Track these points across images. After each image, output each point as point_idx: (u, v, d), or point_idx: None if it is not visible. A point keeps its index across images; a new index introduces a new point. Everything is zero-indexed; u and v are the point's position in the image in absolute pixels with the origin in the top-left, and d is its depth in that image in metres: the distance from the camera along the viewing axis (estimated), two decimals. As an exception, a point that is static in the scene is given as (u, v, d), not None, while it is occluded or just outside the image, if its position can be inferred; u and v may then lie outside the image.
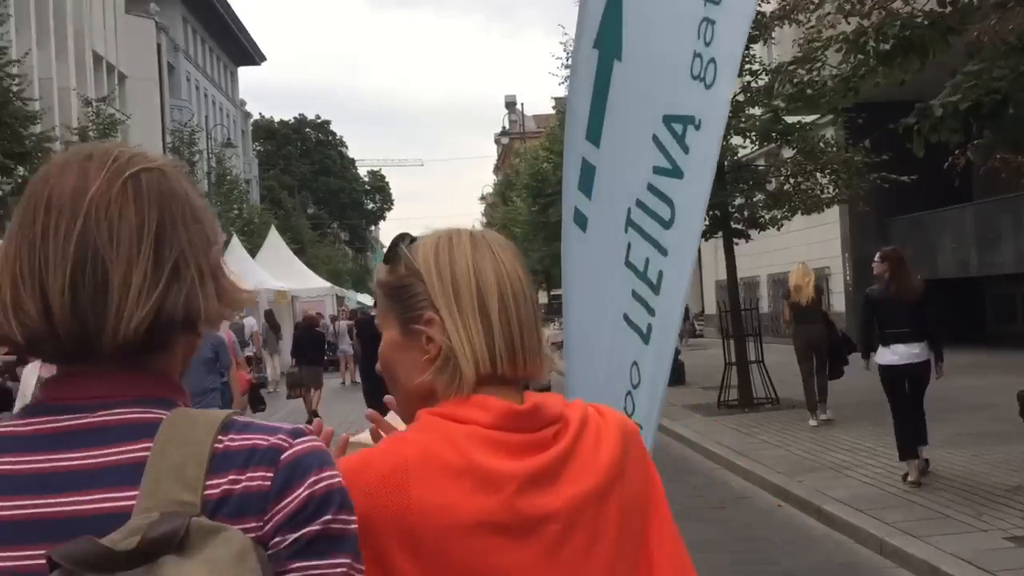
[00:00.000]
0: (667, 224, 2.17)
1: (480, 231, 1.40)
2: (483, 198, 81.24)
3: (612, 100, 2.40)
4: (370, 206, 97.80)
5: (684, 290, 2.18)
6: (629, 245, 2.34)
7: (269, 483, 0.94)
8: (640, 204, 2.28)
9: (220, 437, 0.95)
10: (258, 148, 79.02)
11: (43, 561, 0.85)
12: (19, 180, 19.07)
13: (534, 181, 19.29)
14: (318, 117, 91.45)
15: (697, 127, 2.05)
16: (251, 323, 19.17)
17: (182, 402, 1.01)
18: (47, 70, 34.21)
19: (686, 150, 2.10)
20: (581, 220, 2.66)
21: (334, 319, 27.57)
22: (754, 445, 10.62)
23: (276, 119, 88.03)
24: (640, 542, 1.28)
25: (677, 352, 12.83)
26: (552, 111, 50.87)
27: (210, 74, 59.07)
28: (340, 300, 33.33)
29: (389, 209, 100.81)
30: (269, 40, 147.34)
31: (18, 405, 5.98)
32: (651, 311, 2.28)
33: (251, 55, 67.09)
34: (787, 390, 13.35)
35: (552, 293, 39.93)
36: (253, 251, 31.36)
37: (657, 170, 2.21)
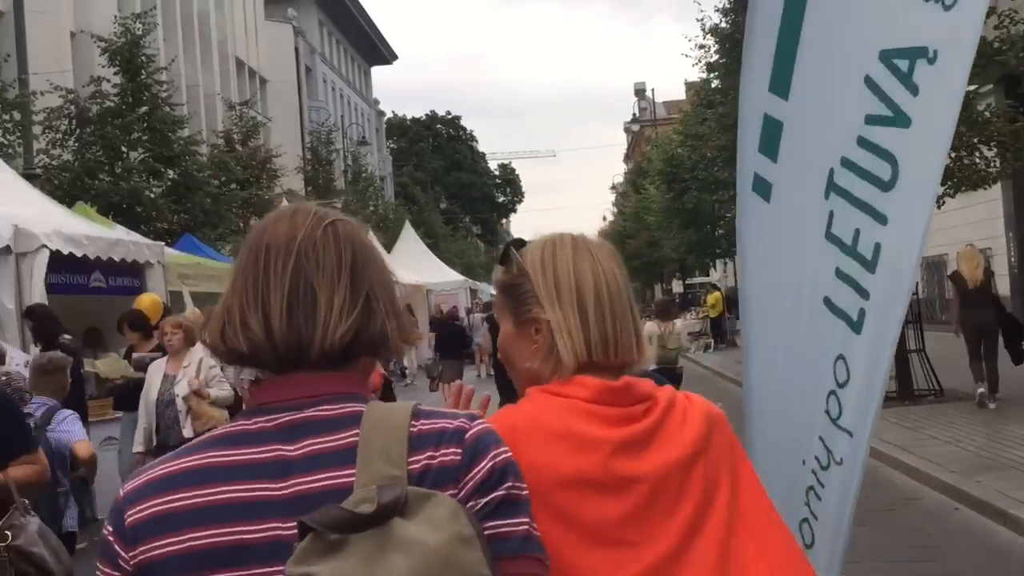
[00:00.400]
0: (887, 185, 1.76)
1: (582, 236, 1.58)
2: (614, 187, 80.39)
3: (806, 40, 1.99)
4: (501, 199, 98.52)
5: (912, 267, 1.76)
6: (832, 214, 1.94)
7: (459, 458, 1.15)
8: (847, 163, 1.87)
9: (413, 423, 1.15)
10: (391, 146, 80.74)
11: (290, 532, 1.05)
12: (168, 183, 19.87)
13: (668, 166, 18.66)
14: (448, 113, 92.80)
15: (931, 60, 1.63)
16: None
17: (369, 397, 1.22)
18: (193, 77, 35.70)
19: (914, 91, 1.68)
20: (763, 188, 2.26)
21: (468, 312, 27.69)
22: (920, 441, 9.83)
23: (408, 117, 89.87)
24: (733, 515, 1.43)
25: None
26: (684, 96, 49.84)
27: (345, 75, 60.58)
28: (473, 293, 33.49)
29: (520, 202, 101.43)
30: (399, 39, 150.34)
31: (144, 399, 6.77)
32: (863, 293, 1.87)
33: (383, 55, 68.49)
34: (951, 380, 12.39)
35: (688, 282, 39.12)
36: (388, 246, 31.83)
37: (872, 119, 1.79)
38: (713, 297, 24.25)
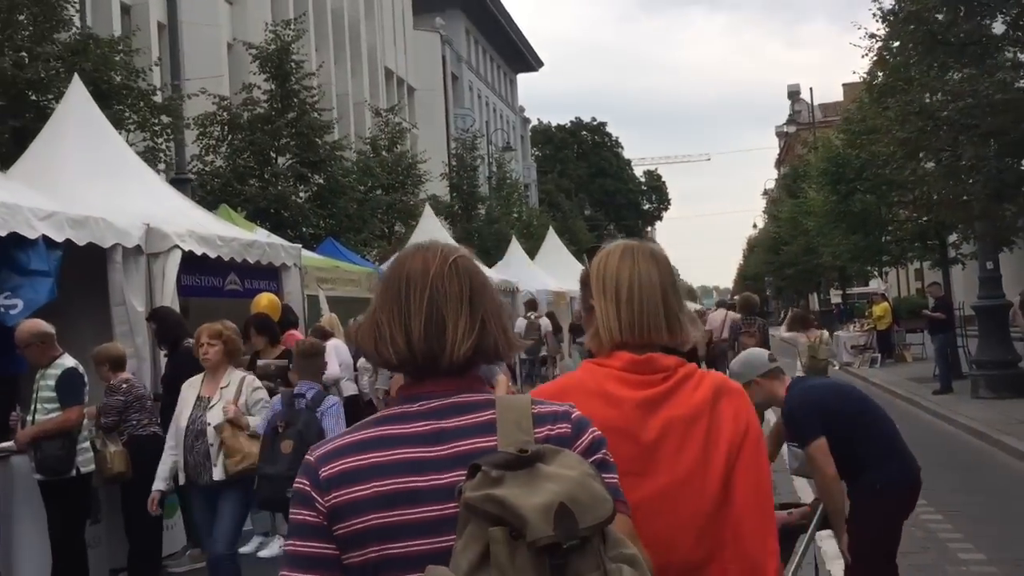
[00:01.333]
0: None
1: (639, 244, 2.05)
2: (766, 193, 77.60)
3: None
4: (646, 206, 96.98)
5: None
6: None
7: (569, 431, 1.57)
8: None
9: (533, 406, 1.58)
10: (536, 153, 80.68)
11: (447, 481, 1.47)
12: (314, 188, 19.93)
13: (832, 166, 17.25)
14: (593, 119, 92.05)
15: None
16: (546, 324, 18.38)
17: (492, 394, 1.62)
18: (343, 85, 36.38)
19: None
20: None
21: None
22: None
23: (553, 124, 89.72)
24: (736, 470, 1.86)
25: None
26: (842, 98, 47.26)
27: (491, 82, 60.86)
28: (619, 301, 32.47)
29: (666, 209, 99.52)
30: (545, 45, 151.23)
31: (174, 425, 5.71)
32: None
33: (529, 61, 68.48)
34: None
35: (847, 292, 36.85)
36: (532, 253, 31.34)
37: None
38: (881, 308, 22.52)
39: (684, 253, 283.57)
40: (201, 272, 8.57)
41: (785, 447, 4.59)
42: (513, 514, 1.29)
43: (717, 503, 1.85)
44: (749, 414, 1.92)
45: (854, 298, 40.98)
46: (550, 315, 21.67)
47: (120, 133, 11.60)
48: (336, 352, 8.62)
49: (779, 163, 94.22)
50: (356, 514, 1.48)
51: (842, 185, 17.43)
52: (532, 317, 17.46)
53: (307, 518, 1.52)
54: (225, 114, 19.19)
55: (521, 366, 17.23)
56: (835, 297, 40.10)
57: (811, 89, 38.55)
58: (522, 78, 72.29)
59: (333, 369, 8.36)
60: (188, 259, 7.99)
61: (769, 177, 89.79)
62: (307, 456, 1.57)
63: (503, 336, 1.63)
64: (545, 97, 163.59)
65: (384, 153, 26.59)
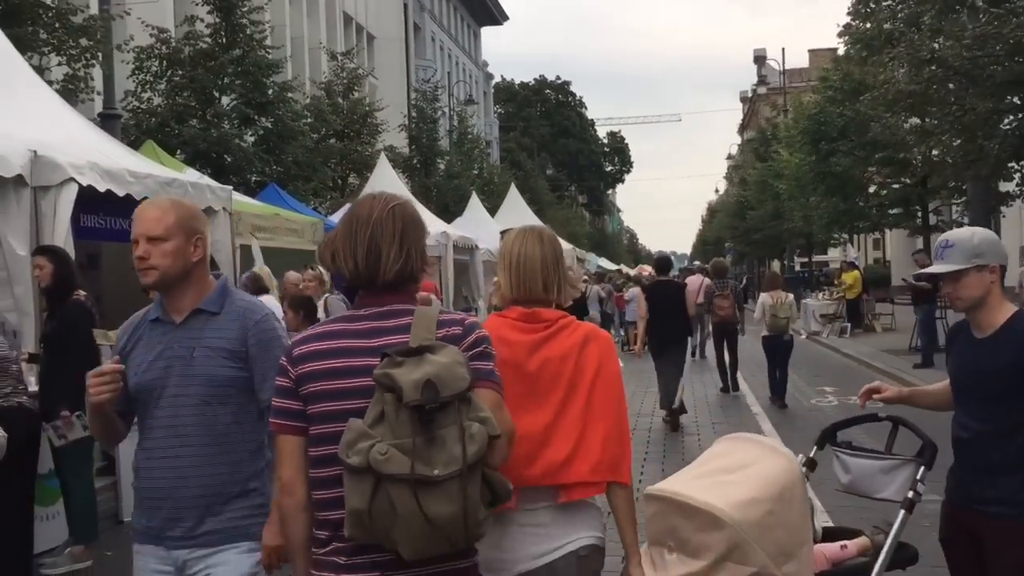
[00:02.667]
0: None
1: (531, 228, 2.83)
2: (730, 157, 76.99)
3: None
4: (608, 168, 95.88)
5: None
6: None
7: (460, 332, 2.24)
8: None
9: (439, 315, 2.24)
10: (499, 111, 79.08)
11: (374, 363, 2.09)
12: (261, 132, 18.52)
13: (814, 124, 16.25)
14: (558, 78, 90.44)
15: None
16: None
17: (415, 306, 2.28)
18: (298, 28, 34.61)
19: None
20: None
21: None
22: None
23: (516, 82, 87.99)
24: (593, 398, 2.56)
25: None
26: (808, 64, 46.18)
27: (454, 34, 59.01)
28: (581, 263, 31.54)
29: (628, 171, 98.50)
30: (510, 4, 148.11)
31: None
32: None
33: (494, 14, 66.59)
34: None
35: (813, 259, 36.20)
36: (492, 211, 30.17)
37: None
38: (851, 276, 21.75)
39: (644, 216, 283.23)
40: (107, 213, 7.32)
41: (834, 458, 3.54)
42: (396, 385, 2.02)
43: (582, 418, 2.56)
44: (609, 355, 2.65)
45: (813, 266, 40.52)
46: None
47: (29, 57, 10.21)
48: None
49: (743, 128, 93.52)
50: (312, 381, 2.23)
51: (824, 144, 16.45)
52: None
53: (283, 383, 2.28)
54: (164, 48, 17.65)
55: None
56: (799, 265, 39.52)
57: (783, 49, 37.59)
58: (487, 33, 70.46)
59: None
60: (90, 196, 6.74)
61: (732, 142, 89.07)
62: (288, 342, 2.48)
63: (420, 262, 2.35)
64: (509, 56, 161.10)
65: (340, 99, 25.11)
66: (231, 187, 9.52)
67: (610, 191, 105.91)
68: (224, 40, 17.92)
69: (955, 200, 16.54)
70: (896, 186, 16.76)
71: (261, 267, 8.69)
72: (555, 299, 2.68)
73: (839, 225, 18.50)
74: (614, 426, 2.56)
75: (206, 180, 9.42)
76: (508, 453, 2.19)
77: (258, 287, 7.53)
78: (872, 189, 17.11)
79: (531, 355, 2.57)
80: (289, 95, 19.05)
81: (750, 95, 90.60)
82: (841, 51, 32.43)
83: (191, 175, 10.01)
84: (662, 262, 11.58)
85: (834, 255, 41.85)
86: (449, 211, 29.17)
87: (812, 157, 17.15)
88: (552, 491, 2.54)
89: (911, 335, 17.02)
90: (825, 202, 18.14)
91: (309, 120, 21.02)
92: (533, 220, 32.57)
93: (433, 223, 19.48)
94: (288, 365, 2.24)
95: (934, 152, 10.14)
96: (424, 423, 1.98)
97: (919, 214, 17.36)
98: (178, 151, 16.99)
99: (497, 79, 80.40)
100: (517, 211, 31.92)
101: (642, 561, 2.60)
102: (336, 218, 16.15)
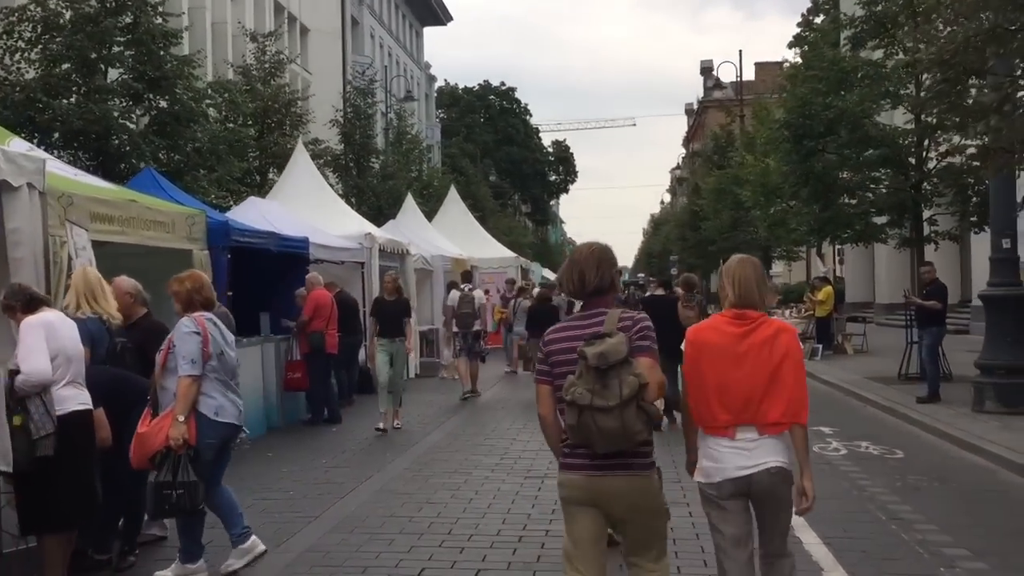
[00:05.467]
0: None
1: (743, 256, 4.09)
2: (678, 167, 75.52)
3: None
4: (553, 177, 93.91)
5: None
6: None
7: (630, 324, 3.55)
8: None
9: (620, 315, 3.58)
10: (441, 115, 76.60)
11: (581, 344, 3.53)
12: (152, 113, 15.77)
13: (799, 118, 14.12)
14: (502, 84, 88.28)
15: None
16: (480, 296, 16.05)
17: (607, 309, 3.66)
18: (221, 12, 31.78)
19: None
20: None
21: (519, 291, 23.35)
22: None
23: (460, 86, 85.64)
24: (782, 368, 3.73)
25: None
26: (754, 78, 44.52)
27: (395, 32, 56.43)
28: (525, 272, 29.18)
29: (572, 181, 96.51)
30: (455, 11, 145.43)
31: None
32: None
33: (437, 14, 64.12)
34: None
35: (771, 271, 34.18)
36: (430, 215, 27.67)
37: None
38: (824, 292, 19.74)
39: (587, 227, 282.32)
40: None
41: None
42: (585, 355, 3.38)
43: (776, 382, 3.74)
44: (794, 341, 3.87)
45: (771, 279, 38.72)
46: (452, 285, 18.18)
47: None
48: (47, 332, 4.83)
49: (688, 140, 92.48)
50: (554, 355, 3.62)
51: (808, 141, 14.33)
52: (466, 289, 15.65)
53: (541, 356, 3.68)
54: (39, 9, 14.87)
55: (456, 340, 15.55)
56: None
57: (740, 51, 35.69)
58: (430, 34, 68.00)
59: (36, 365, 4.63)
60: None
61: (678, 154, 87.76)
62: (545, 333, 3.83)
63: (613, 281, 3.75)
64: (453, 64, 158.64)
65: (258, 85, 22.43)
66: (43, 158, 6.89)
67: (553, 201, 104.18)
68: (113, 3, 15.21)
69: (962, 206, 14.49)
70: (886, 191, 14.67)
71: (83, 268, 6.08)
72: (761, 306, 3.92)
73: (821, 234, 16.38)
74: (796, 388, 3.77)
75: (15, 148, 6.80)
76: (659, 395, 3.45)
77: (29, 299, 4.94)
78: (859, 194, 15.02)
79: (742, 341, 3.80)
80: (190, 72, 16.32)
81: (695, 107, 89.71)
82: (791, 61, 30.77)
83: (18, 146, 7.38)
84: (665, 275, 9.61)
85: (776, 270, 40.19)
86: (383, 214, 26.65)
87: (793, 156, 15.02)
88: (757, 428, 3.74)
89: (902, 360, 14.93)
90: (807, 208, 15.99)
91: (215, 101, 18.31)
92: (473, 226, 30.24)
93: (356, 223, 16.93)
94: (542, 346, 3.69)
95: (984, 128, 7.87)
96: (599, 377, 3.37)
97: (906, 224, 15.35)
98: (55, 133, 14.29)
99: (440, 83, 77.92)
100: (457, 216, 29.51)
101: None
102: (239, 212, 13.71)
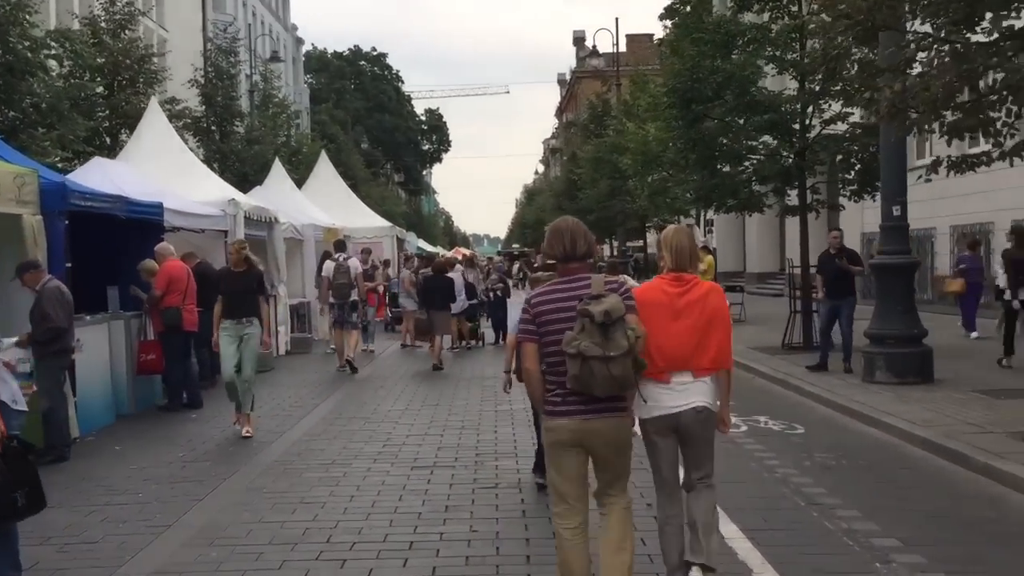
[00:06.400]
0: None
1: (682, 226, 4.88)
2: (552, 137, 75.42)
3: None
4: (426, 147, 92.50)
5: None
6: None
7: (617, 287, 4.07)
8: None
9: (604, 279, 4.09)
10: (310, 80, 74.00)
11: (575, 303, 3.99)
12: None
13: (687, 82, 13.67)
14: (374, 49, 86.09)
15: None
16: (355, 265, 15.04)
17: (590, 274, 4.18)
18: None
19: None
20: None
21: (384, 264, 22.48)
22: None
23: (329, 51, 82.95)
24: (713, 323, 4.35)
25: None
26: (626, 48, 44.33)
27: (259, -10, 53.75)
28: (400, 243, 28.19)
29: (446, 151, 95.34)
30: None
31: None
32: None
33: (304, -26, 61.46)
34: None
35: (631, 243, 34.12)
36: (300, 182, 26.32)
37: None
38: (707, 262, 19.52)
39: (460, 197, 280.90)
40: None
41: None
42: (590, 312, 3.85)
43: (707, 334, 4.33)
44: (721, 299, 4.46)
45: (630, 251, 38.90)
46: (326, 255, 17.11)
47: None
48: None
49: (561, 110, 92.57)
50: (542, 315, 4.03)
51: (696, 105, 13.91)
52: (341, 259, 14.78)
53: (526, 316, 4.08)
54: None
55: (331, 311, 14.85)
56: (629, 248, 37.79)
57: (616, 19, 35.46)
58: (296, -6, 65.27)
59: None
60: None
61: (552, 124, 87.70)
62: (526, 297, 4.33)
63: (594, 246, 4.32)
64: (322, 28, 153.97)
65: (107, 39, 20.56)
66: None
67: (427, 171, 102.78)
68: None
69: (844, 173, 14.38)
70: (768, 157, 14.42)
71: None
72: (692, 270, 4.49)
73: (706, 202, 16.05)
74: (725, 339, 4.40)
75: None
76: (644, 346, 4.03)
77: None
78: (750, 162, 14.73)
79: (681, 299, 4.34)
80: (25, 18, 14.59)
81: (569, 78, 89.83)
82: (665, 31, 30.62)
83: None
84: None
85: (649, 239, 40.50)
86: (249, 180, 25.08)
87: (680, 121, 14.59)
88: (692, 372, 4.34)
89: (786, 329, 14.84)
90: (694, 175, 15.62)
91: (56, 52, 16.54)
92: (346, 194, 28.93)
93: (219, 189, 15.62)
94: (528, 307, 4.10)
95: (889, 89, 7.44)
96: (604, 331, 3.86)
97: (788, 192, 15.21)
98: None
99: (308, 47, 75.26)
100: (328, 183, 28.13)
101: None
102: (81, 174, 12.12)
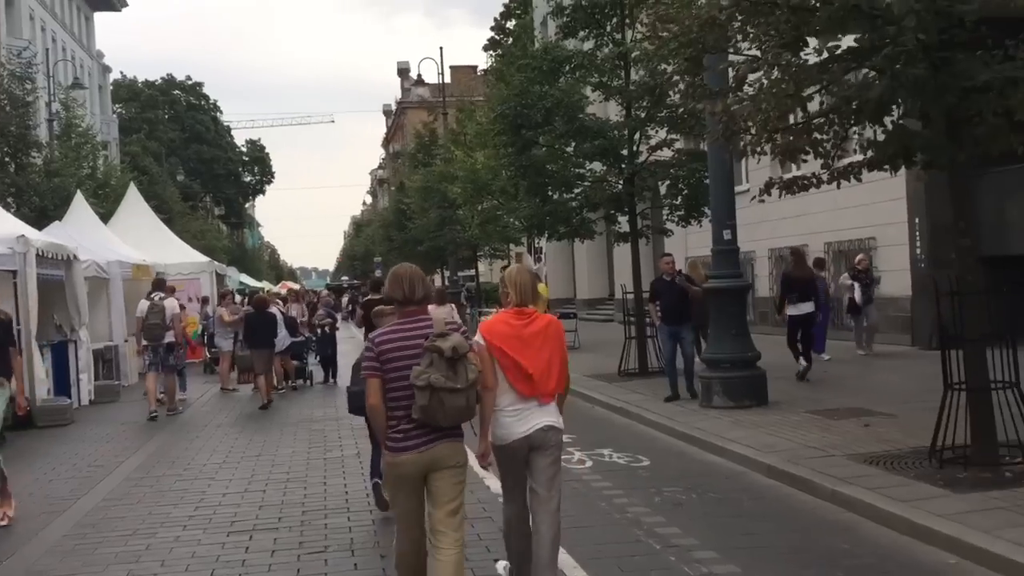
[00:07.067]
0: None
1: (523, 264, 5.70)
2: (379, 167, 74.56)
3: None
4: (248, 179, 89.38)
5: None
6: None
7: (456, 327, 4.42)
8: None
9: (447, 320, 4.46)
10: (120, 110, 70.05)
11: (418, 348, 4.32)
12: None
13: (518, 107, 13.36)
14: (189, 78, 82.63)
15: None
16: (172, 305, 14.02)
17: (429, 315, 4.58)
18: None
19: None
20: None
21: (204, 301, 21.18)
22: None
23: (140, 80, 78.90)
24: (554, 352, 4.73)
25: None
26: (450, 80, 44.26)
27: (59, 15, 50.41)
28: (220, 278, 26.67)
29: (269, 182, 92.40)
30: (134, 5, 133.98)
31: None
32: None
33: (109, -2, 58.22)
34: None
35: (464, 274, 33.86)
36: (106, 216, 24.47)
37: None
38: (541, 289, 19.34)
39: (286, 230, 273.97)
40: None
41: None
42: (439, 348, 4.19)
43: (550, 363, 4.68)
44: (560, 331, 4.86)
45: (460, 280, 38.54)
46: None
47: None
48: None
49: (388, 141, 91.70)
50: (385, 353, 4.32)
51: (527, 131, 13.65)
52: (156, 298, 13.79)
53: (370, 355, 4.36)
54: None
55: (146, 354, 13.92)
56: (460, 279, 37.36)
57: (440, 48, 35.29)
58: (102, 20, 61.77)
59: None
60: None
61: (379, 155, 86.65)
62: (370, 336, 4.60)
63: (428, 294, 4.59)
64: (132, 56, 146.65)
65: None
66: None
67: (249, 203, 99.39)
68: None
69: (671, 200, 14.46)
70: (596, 184, 14.34)
71: None
72: (532, 304, 4.86)
73: (539, 230, 15.78)
74: (563, 368, 4.77)
75: None
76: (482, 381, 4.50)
77: None
78: (580, 189, 14.59)
79: (525, 331, 4.68)
80: None
81: (394, 108, 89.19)
82: (489, 62, 30.70)
83: None
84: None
85: (482, 269, 40.41)
86: (48, 215, 23.01)
87: (511, 148, 14.30)
88: (537, 399, 4.68)
89: (622, 355, 14.73)
90: (526, 202, 15.33)
91: None
92: (157, 227, 27.11)
93: (6, 225, 14.03)
94: (372, 345, 4.37)
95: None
96: (451, 366, 4.20)
97: (619, 219, 15.20)
98: None
99: (116, 75, 71.38)
100: (138, 217, 26.22)
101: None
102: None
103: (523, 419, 4.62)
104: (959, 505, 6.05)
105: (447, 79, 59.99)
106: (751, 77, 7.76)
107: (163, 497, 7.99)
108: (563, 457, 9.13)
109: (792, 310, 12.52)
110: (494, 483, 6.49)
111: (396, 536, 4.52)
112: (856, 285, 15.06)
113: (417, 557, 4.40)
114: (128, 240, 22.39)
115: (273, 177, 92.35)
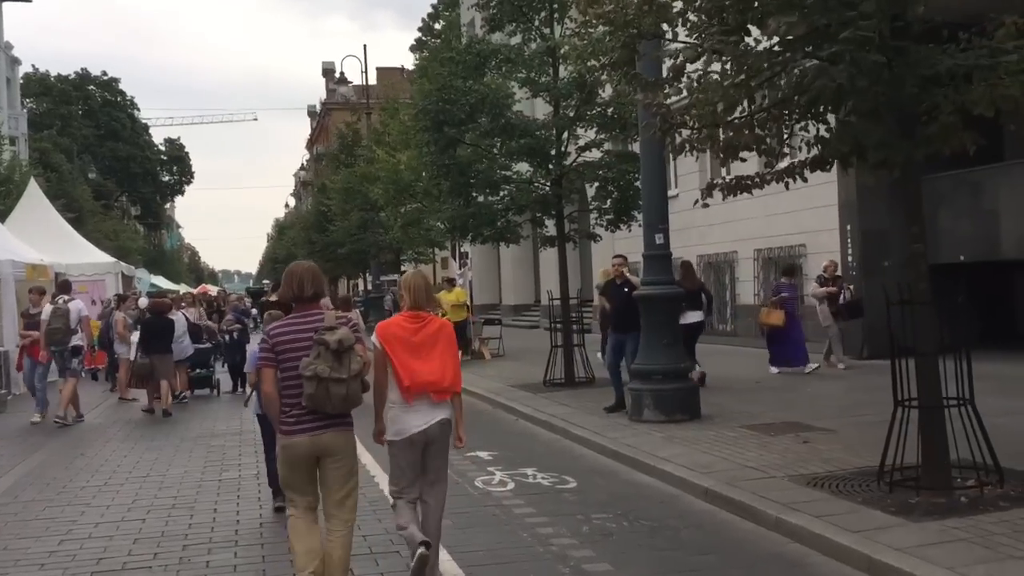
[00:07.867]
0: None
1: (420, 270, 7.18)
2: (302, 169, 72.88)
3: None
4: (167, 178, 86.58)
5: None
6: None
7: (346, 322, 4.85)
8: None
9: (337, 315, 5.01)
10: (30, 105, 67.07)
11: (309, 340, 4.69)
12: None
13: (440, 103, 12.61)
14: (104, 73, 79.67)
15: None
16: (77, 307, 13.36)
17: (322, 311, 4.99)
18: None
19: None
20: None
21: (108, 305, 19.84)
22: None
23: (53, 73, 75.79)
24: (444, 354, 5.06)
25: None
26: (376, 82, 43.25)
27: (-38, 2, 47.74)
28: (128, 280, 25.28)
29: (188, 183, 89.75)
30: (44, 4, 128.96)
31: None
32: None
33: (18, -14, 55.55)
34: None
35: (384, 279, 32.81)
36: (4, 214, 22.96)
37: None
38: (456, 294, 18.62)
39: (208, 233, 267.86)
40: None
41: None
42: (325, 341, 4.58)
43: (442, 363, 4.99)
44: (451, 333, 5.18)
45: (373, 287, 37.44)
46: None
47: None
48: None
49: (312, 142, 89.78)
50: (280, 344, 4.68)
51: (449, 128, 12.90)
52: (60, 301, 13.18)
53: (265, 346, 4.72)
54: None
55: (56, 359, 13.21)
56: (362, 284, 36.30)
57: (364, 45, 34.27)
58: (10, 11, 58.96)
59: None
60: None
61: (303, 156, 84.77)
62: (265, 329, 5.06)
63: (319, 291, 4.87)
64: (44, 49, 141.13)
65: None
66: None
67: (169, 204, 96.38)
68: None
69: (598, 203, 13.85)
70: (520, 185, 13.66)
71: None
72: (428, 308, 5.18)
73: (463, 232, 14.97)
74: (455, 367, 5.09)
75: None
76: (368, 372, 4.80)
77: None
78: (506, 190, 13.87)
79: (418, 334, 4.98)
80: None
81: (319, 109, 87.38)
82: (415, 63, 29.81)
83: None
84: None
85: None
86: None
87: (433, 147, 13.51)
88: (429, 396, 4.96)
89: (547, 365, 14.05)
90: (449, 204, 14.55)
91: None
92: (61, 226, 25.53)
93: None
94: (267, 338, 4.73)
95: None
96: (337, 357, 4.55)
97: (546, 222, 14.53)
98: None
99: (27, 68, 68.42)
100: (39, 215, 24.69)
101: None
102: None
103: (420, 414, 4.95)
104: (917, 536, 5.48)
105: (372, 80, 58.96)
106: (689, 68, 7.16)
107: (24, 529, 6.99)
108: (483, 478, 8.64)
109: (682, 319, 12.03)
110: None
111: (288, 521, 4.83)
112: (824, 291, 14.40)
113: (307, 524, 4.73)
114: (26, 239, 20.98)
115: (193, 177, 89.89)
